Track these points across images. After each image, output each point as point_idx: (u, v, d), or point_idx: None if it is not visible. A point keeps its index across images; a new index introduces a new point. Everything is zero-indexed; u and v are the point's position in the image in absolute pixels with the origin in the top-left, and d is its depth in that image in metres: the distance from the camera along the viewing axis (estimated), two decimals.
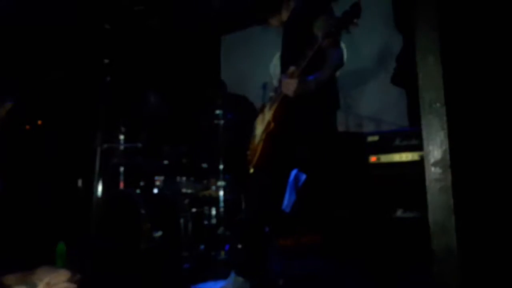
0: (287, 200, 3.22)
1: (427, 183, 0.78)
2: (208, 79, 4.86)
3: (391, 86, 3.64)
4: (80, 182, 3.40)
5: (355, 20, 1.72)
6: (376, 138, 3.02)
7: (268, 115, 2.10)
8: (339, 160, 2.56)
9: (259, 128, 2.19)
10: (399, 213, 2.80)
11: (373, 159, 3.00)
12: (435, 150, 0.79)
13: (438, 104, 0.80)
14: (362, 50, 3.78)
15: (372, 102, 3.83)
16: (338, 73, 2.15)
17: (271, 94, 2.18)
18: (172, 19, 4.37)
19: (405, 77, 3.44)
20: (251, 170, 2.20)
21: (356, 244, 2.83)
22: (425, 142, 0.81)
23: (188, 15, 4.47)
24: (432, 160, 0.78)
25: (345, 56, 2.11)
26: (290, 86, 1.90)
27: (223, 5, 4.04)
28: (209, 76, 4.93)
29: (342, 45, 2.09)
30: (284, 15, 2.26)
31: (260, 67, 2.84)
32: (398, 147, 2.92)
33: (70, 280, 1.16)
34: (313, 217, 3.16)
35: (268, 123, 2.06)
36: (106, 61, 2.40)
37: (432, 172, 0.78)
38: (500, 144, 0.80)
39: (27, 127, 3.80)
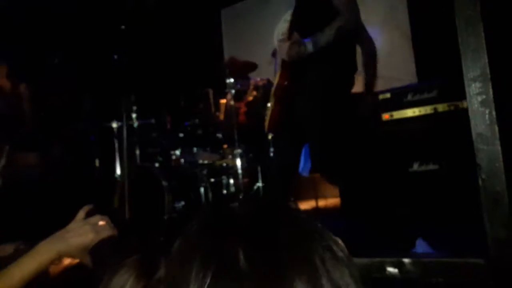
0: (303, 165, 3.25)
1: (468, 98, 0.81)
2: (212, 52, 4.86)
3: (397, 45, 3.62)
4: (97, 162, 3.45)
5: None
6: (387, 95, 3.03)
7: (275, 81, 2.11)
8: (352, 120, 2.58)
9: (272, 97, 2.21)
10: (415, 167, 2.83)
11: (386, 116, 3.02)
12: (473, 67, 0.81)
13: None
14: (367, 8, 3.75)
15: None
16: None
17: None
18: None
19: None
20: (269, 136, 2.24)
21: (374, 202, 2.88)
22: (463, 62, 0.82)
23: None
24: (471, 75, 0.80)
25: None
26: (282, 50, 1.90)
27: None
28: (213, 50, 4.92)
29: None
30: None
31: (265, 36, 2.81)
32: (411, 103, 2.93)
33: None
34: (330, 179, 3.20)
35: (275, 89, 2.08)
36: (122, 27, 2.36)
37: (472, 87, 0.80)
38: None
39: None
